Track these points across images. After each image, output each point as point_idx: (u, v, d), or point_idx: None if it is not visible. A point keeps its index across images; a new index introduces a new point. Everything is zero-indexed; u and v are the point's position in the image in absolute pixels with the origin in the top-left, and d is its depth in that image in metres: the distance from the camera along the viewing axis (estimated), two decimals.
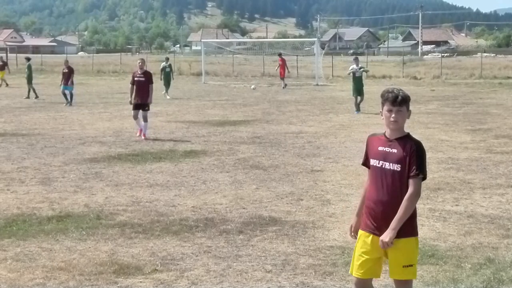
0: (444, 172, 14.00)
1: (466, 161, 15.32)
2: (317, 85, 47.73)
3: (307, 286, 7.27)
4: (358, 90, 27.45)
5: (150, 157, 15.85)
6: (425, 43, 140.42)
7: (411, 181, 5.19)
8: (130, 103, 19.95)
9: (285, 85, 44.36)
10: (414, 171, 5.16)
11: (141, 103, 19.47)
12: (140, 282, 7.36)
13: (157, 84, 25.69)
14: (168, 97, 35.19)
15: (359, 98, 27.35)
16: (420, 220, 9.91)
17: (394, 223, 5.20)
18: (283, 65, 45.59)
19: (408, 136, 5.31)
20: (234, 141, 18.66)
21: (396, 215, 5.19)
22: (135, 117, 19.64)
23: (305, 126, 22.52)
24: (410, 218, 5.27)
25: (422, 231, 9.41)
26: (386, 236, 5.22)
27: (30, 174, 13.68)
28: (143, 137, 18.95)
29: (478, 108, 29.05)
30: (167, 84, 36.88)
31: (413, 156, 5.17)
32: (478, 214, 10.40)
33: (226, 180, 13.13)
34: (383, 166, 5.31)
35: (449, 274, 7.56)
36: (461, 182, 12.89)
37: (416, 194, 5.22)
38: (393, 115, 5.24)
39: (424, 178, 5.23)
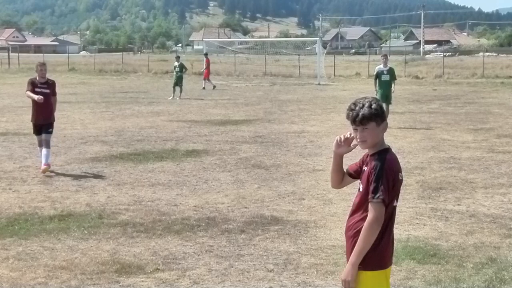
0: (446, 171, 14.00)
1: (468, 161, 15.32)
2: (319, 84, 47.72)
3: (309, 286, 7.27)
4: (386, 96, 22.24)
5: (152, 157, 15.85)
6: (427, 42, 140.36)
7: (369, 206, 4.38)
8: (39, 99, 13.69)
9: (214, 86, 42.77)
10: (370, 194, 4.37)
11: (44, 123, 14.12)
12: (142, 281, 7.37)
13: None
14: (169, 98, 34.60)
15: (384, 106, 22.07)
16: (422, 220, 9.98)
17: (353, 257, 4.42)
18: (208, 65, 44.21)
19: (380, 152, 4.48)
20: (236, 141, 18.65)
21: (355, 247, 4.42)
22: (41, 143, 14.17)
23: (307, 125, 22.51)
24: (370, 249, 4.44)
25: (424, 230, 9.44)
26: (344, 273, 4.47)
27: (32, 174, 13.68)
28: (43, 167, 13.69)
29: (480, 108, 29.02)
30: (175, 85, 35.22)
31: (371, 176, 4.39)
32: (480, 214, 10.40)
33: (228, 180, 13.13)
34: (359, 187, 4.60)
35: (451, 274, 7.55)
36: (463, 182, 12.89)
37: (374, 221, 4.35)
38: (358, 135, 4.50)
39: (384, 202, 4.34)
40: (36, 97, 13.67)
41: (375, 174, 4.37)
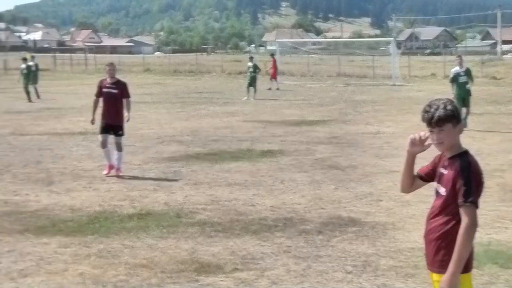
0: None
1: None
2: (394, 85, 47.17)
3: None
4: (463, 98, 21.45)
5: (228, 157, 15.93)
6: (505, 42, 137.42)
7: (461, 211, 4.29)
8: (92, 122, 14.47)
9: (277, 88, 41.96)
10: (461, 197, 4.27)
11: (112, 124, 13.93)
12: (221, 280, 7.41)
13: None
14: (244, 98, 34.67)
15: (464, 109, 20.55)
16: (504, 223, 9.77)
17: (453, 266, 4.28)
18: (274, 65, 43.90)
19: (462, 155, 4.42)
20: (311, 141, 18.60)
21: (453, 255, 4.28)
22: (103, 144, 13.87)
23: (383, 126, 22.28)
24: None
25: (506, 234, 9.23)
26: (445, 283, 4.31)
27: (111, 172, 13.89)
28: (119, 173, 13.64)
29: None
30: (249, 86, 35.46)
31: (459, 180, 4.30)
32: None
33: (304, 180, 13.10)
34: (437, 190, 4.52)
35: None
36: None
37: (471, 226, 4.25)
38: (435, 137, 4.42)
39: (477, 205, 4.28)
40: (91, 119, 14.46)
41: (464, 177, 4.30)
